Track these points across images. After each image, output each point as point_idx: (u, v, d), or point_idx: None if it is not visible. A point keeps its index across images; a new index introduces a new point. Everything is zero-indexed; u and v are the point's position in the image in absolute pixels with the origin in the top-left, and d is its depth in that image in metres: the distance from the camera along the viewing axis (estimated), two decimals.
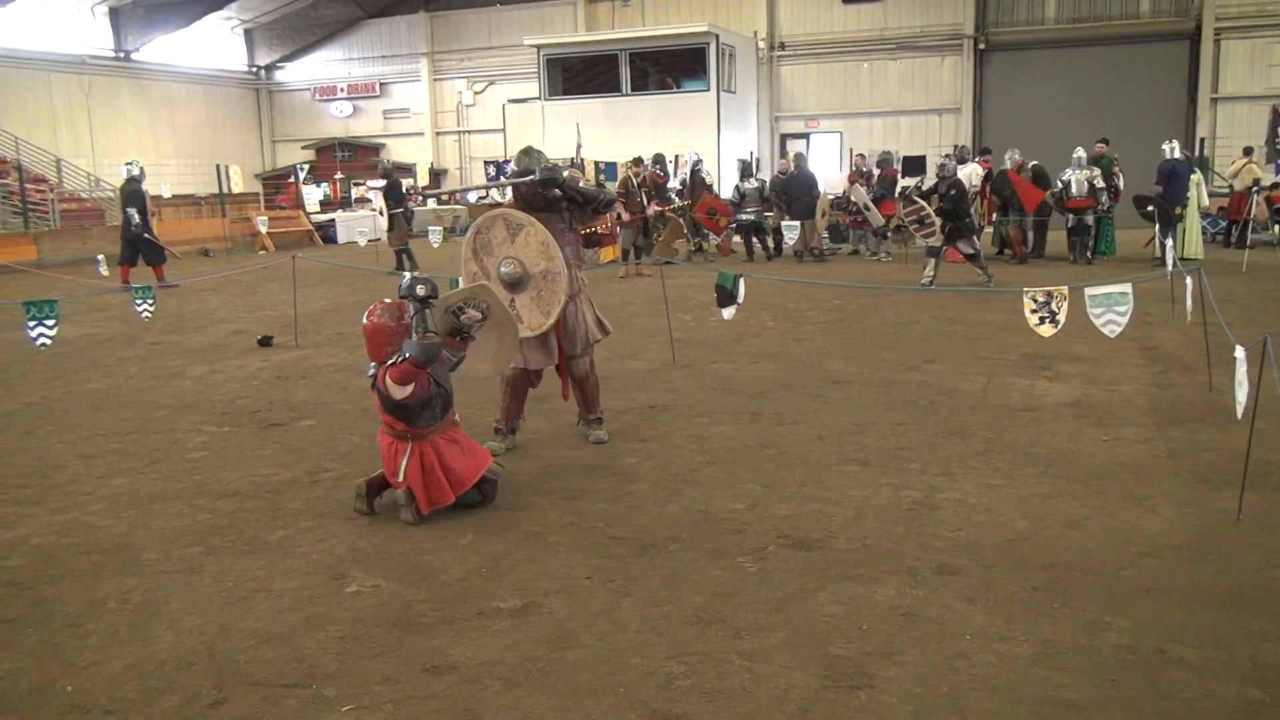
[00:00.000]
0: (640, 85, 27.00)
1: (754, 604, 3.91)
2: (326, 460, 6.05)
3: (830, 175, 23.80)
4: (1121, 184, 16.07)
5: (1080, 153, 15.74)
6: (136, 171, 15.89)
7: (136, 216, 15.25)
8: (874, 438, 6.21)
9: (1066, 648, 3.51)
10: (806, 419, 6.70)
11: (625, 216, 15.13)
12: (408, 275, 5.22)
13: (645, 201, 15.48)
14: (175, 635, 3.78)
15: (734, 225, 17.87)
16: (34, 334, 7.45)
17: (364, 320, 5.05)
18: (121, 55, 30.52)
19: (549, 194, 5.87)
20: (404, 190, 17.79)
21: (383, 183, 17.49)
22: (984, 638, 3.59)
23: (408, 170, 30.34)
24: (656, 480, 5.48)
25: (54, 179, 24.65)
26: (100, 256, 15.59)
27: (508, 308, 5.61)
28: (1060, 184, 15.82)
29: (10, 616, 3.99)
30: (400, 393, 4.84)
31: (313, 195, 28.49)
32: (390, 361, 4.89)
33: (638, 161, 16.74)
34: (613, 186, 15.74)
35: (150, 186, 24.63)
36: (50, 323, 7.47)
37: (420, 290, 5.04)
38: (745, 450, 6.02)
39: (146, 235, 15.44)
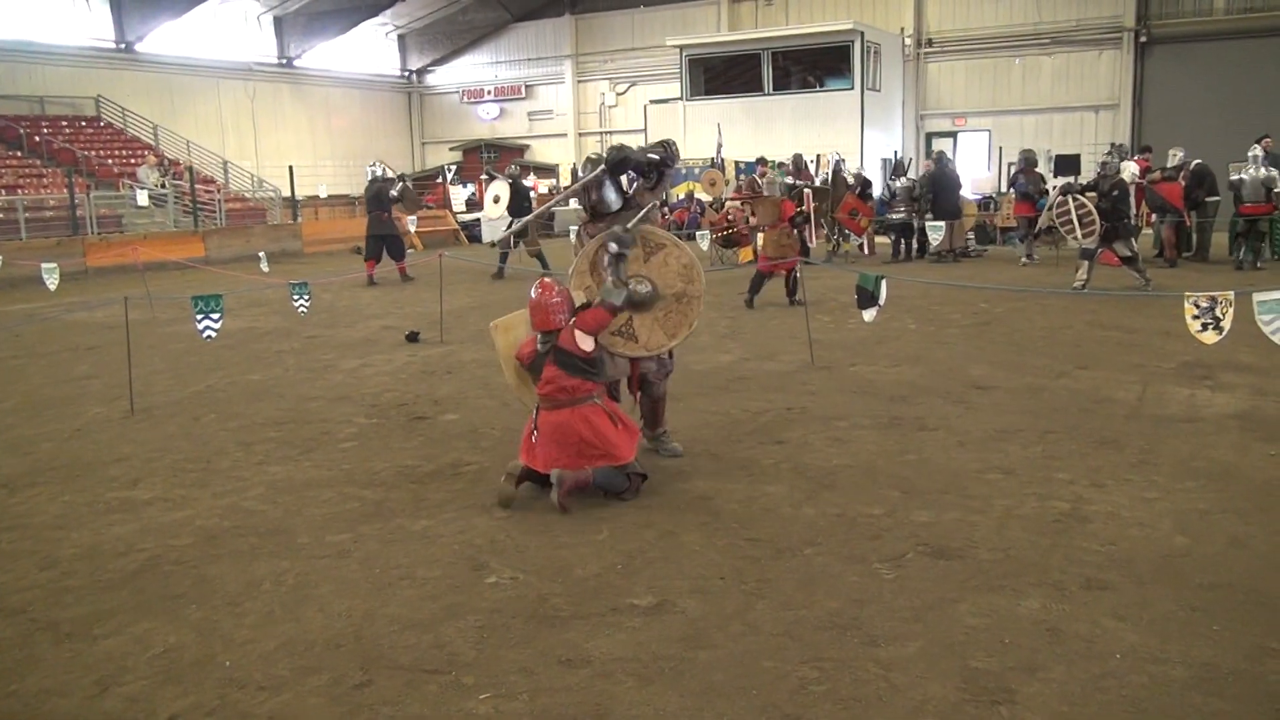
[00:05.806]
0: (782, 85, 26.82)
1: (891, 612, 3.84)
2: (468, 454, 6.21)
3: (978, 175, 23.15)
4: None
5: (1257, 150, 14.60)
6: (380, 171, 16.92)
7: (397, 183, 16.44)
8: (1020, 446, 6.01)
9: (1226, 673, 3.32)
10: (948, 424, 6.53)
11: (754, 220, 15.05)
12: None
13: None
14: (325, 617, 3.95)
15: (878, 225, 17.58)
16: (201, 326, 7.89)
17: (531, 294, 5.27)
18: (284, 62, 32.17)
19: (621, 174, 5.75)
20: (530, 201, 17.15)
21: (505, 187, 16.60)
22: (1136, 658, 3.43)
23: (551, 170, 30.90)
24: (793, 483, 5.43)
25: (220, 180, 26.04)
26: (262, 254, 16.40)
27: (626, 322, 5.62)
28: (1230, 185, 14.89)
29: (177, 593, 4.24)
30: (588, 343, 5.15)
31: (459, 195, 29.28)
32: (578, 310, 5.25)
33: (762, 161, 16.66)
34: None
35: (307, 188, 26.00)
36: (216, 316, 7.89)
37: (614, 247, 5.39)
38: (884, 455, 5.90)
39: (391, 232, 16.43)
